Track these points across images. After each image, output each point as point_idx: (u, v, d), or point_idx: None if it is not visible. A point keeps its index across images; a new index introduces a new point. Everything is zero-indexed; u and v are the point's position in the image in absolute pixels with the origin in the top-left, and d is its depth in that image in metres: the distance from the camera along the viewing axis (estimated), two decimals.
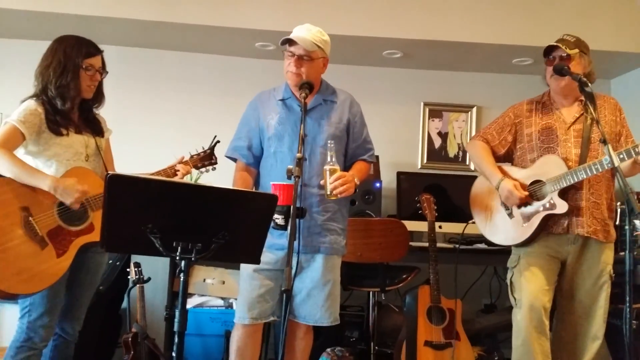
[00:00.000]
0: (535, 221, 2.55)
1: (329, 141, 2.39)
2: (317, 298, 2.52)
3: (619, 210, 3.54)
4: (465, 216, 4.04)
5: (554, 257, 2.58)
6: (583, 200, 2.52)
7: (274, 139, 2.54)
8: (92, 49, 2.47)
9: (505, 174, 2.66)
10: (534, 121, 2.67)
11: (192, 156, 2.76)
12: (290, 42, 2.47)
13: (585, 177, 2.44)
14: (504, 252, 3.09)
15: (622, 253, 3.14)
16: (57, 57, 2.40)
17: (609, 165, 2.35)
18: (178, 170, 2.60)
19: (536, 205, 2.56)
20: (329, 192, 2.32)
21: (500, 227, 2.68)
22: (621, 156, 2.35)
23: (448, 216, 3.68)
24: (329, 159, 2.35)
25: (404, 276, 3.57)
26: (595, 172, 2.42)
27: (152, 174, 2.54)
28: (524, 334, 2.54)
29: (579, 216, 2.51)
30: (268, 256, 2.45)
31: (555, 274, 2.58)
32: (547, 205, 2.53)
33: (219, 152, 2.81)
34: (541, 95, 2.73)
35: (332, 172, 2.32)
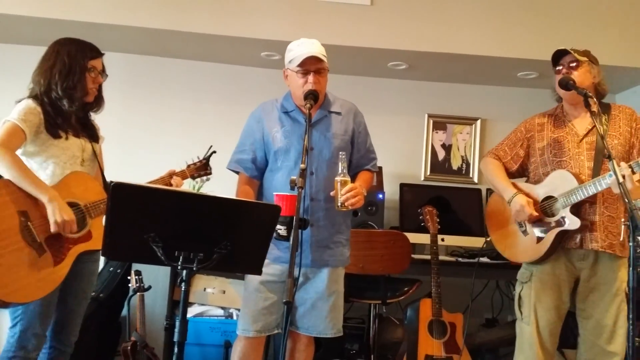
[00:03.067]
0: (549, 238, 2.50)
1: (340, 152, 2.38)
2: (321, 309, 2.51)
3: (623, 226, 3.54)
4: (468, 229, 4.05)
5: (568, 274, 2.53)
6: (597, 214, 2.47)
7: (280, 152, 2.52)
8: (94, 52, 2.48)
9: (519, 190, 2.63)
10: (546, 135, 2.63)
11: (188, 165, 2.76)
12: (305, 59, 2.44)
13: (595, 191, 2.39)
14: (507, 266, 3.07)
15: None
16: (60, 58, 2.39)
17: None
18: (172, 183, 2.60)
19: (549, 221, 2.53)
20: (339, 204, 2.31)
21: (516, 245, 2.64)
22: (636, 169, 2.28)
23: (451, 229, 3.68)
24: (339, 170, 2.34)
25: (406, 289, 3.56)
26: (604, 187, 2.36)
27: (150, 182, 2.53)
28: (533, 352, 2.51)
29: (593, 231, 2.46)
30: (274, 268, 2.44)
31: (569, 291, 2.53)
32: (560, 221, 2.49)
33: (219, 159, 2.80)
34: (554, 108, 2.70)
35: (344, 183, 2.31)
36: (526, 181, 2.74)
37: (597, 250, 2.46)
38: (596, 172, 2.46)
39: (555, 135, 2.61)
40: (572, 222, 2.45)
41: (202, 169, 2.79)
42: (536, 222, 2.56)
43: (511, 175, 2.73)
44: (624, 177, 2.21)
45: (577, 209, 2.47)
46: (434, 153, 4.62)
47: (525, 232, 2.61)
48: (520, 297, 2.61)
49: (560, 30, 3.94)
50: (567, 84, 2.47)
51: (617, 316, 2.45)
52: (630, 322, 2.13)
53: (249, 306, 2.49)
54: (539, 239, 2.54)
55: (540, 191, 2.59)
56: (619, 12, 4.02)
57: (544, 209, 2.55)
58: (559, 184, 2.52)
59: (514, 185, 2.66)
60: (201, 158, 2.81)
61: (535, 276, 2.56)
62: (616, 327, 2.45)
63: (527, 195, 2.59)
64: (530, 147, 2.69)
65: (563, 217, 2.48)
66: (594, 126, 2.50)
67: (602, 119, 2.52)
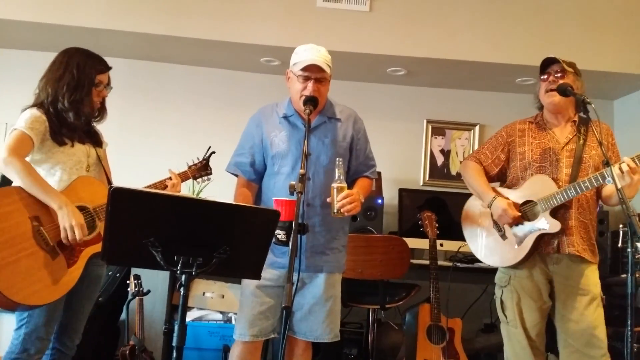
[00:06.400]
0: (529, 242, 2.54)
1: (337, 159, 2.37)
2: (318, 314, 2.51)
3: (621, 232, 3.57)
4: None
5: (543, 276, 2.57)
6: (572, 219, 2.52)
7: (277, 157, 2.53)
8: (103, 66, 2.50)
9: (497, 193, 2.66)
10: (527, 140, 2.68)
11: (189, 167, 2.81)
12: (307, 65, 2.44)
13: (575, 194, 2.44)
14: None
15: (624, 275, 3.14)
16: (69, 70, 2.41)
17: (598, 182, 2.37)
18: (166, 186, 2.61)
19: (528, 225, 2.56)
20: (335, 210, 2.31)
21: (495, 249, 2.67)
22: (608, 180, 2.33)
23: (449, 234, 3.66)
24: (336, 177, 2.33)
25: (404, 294, 3.56)
26: (584, 190, 2.42)
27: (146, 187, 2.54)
28: (527, 353, 2.53)
29: (569, 235, 2.51)
30: (270, 273, 2.44)
31: (547, 291, 2.57)
32: (540, 225, 2.52)
33: (218, 163, 2.82)
34: (534, 116, 2.76)
35: (340, 189, 2.30)
36: (501, 185, 2.77)
37: (572, 255, 2.50)
38: (574, 178, 2.51)
39: (537, 141, 2.66)
40: (552, 225, 2.49)
41: (202, 169, 2.85)
42: (516, 226, 2.59)
43: (491, 179, 2.77)
44: (623, 173, 2.27)
45: (554, 213, 2.51)
46: (432, 158, 4.64)
47: (503, 236, 2.63)
48: (502, 301, 2.64)
49: (558, 37, 3.97)
50: (565, 90, 2.51)
51: (595, 319, 2.48)
52: (629, 327, 2.15)
53: (246, 311, 2.49)
54: (518, 243, 2.57)
55: (518, 195, 2.62)
56: (617, 19, 4.04)
57: (523, 213, 2.59)
58: (538, 188, 2.56)
59: (493, 189, 2.69)
60: (201, 159, 2.86)
61: (514, 279, 2.60)
62: (595, 330, 2.47)
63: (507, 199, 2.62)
64: (511, 151, 2.73)
65: (543, 221, 2.52)
66: (575, 135, 2.59)
67: (582, 129, 2.59)
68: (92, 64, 2.45)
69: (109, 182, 2.57)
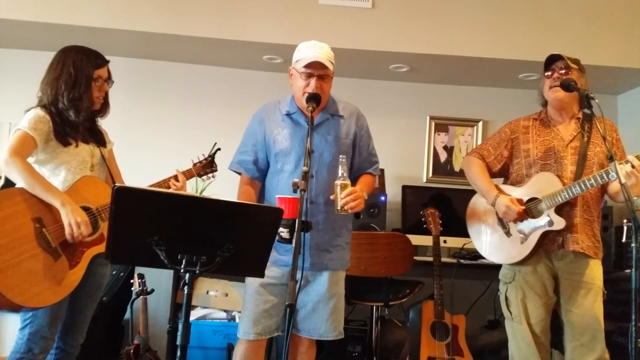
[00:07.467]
0: (534, 239, 2.55)
1: (340, 156, 2.37)
2: (322, 312, 2.51)
3: (625, 227, 3.56)
4: None
5: (548, 272, 2.57)
6: (577, 216, 2.53)
7: (280, 155, 2.53)
8: (100, 60, 2.49)
9: (501, 191, 2.66)
10: (531, 137, 2.68)
11: (194, 164, 2.81)
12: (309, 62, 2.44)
13: (580, 192, 2.44)
14: None
15: (628, 270, 3.14)
16: (66, 68, 2.41)
17: (603, 180, 2.37)
18: (169, 186, 2.61)
19: (533, 222, 2.56)
20: (339, 208, 2.30)
21: (499, 247, 2.67)
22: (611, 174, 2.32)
23: (453, 231, 3.66)
24: (340, 174, 2.32)
25: (408, 291, 3.56)
26: (589, 188, 2.42)
27: (150, 186, 2.54)
28: (532, 350, 2.53)
29: (574, 233, 2.51)
30: (274, 271, 2.44)
31: (552, 287, 2.58)
32: (545, 222, 2.53)
33: (222, 161, 2.83)
34: (538, 112, 2.75)
35: (343, 187, 2.30)
36: (504, 182, 2.77)
37: (576, 252, 2.51)
38: (578, 175, 2.52)
39: (542, 138, 2.65)
40: (557, 223, 2.50)
41: (207, 166, 2.84)
42: (520, 223, 2.59)
43: (493, 175, 2.77)
44: (628, 172, 2.27)
45: (559, 211, 2.52)
46: (436, 155, 4.63)
47: (508, 234, 2.64)
48: (506, 298, 2.65)
49: (561, 32, 3.95)
50: (569, 85, 2.50)
51: (600, 314, 2.50)
52: (633, 322, 2.14)
53: (249, 309, 2.49)
54: (523, 240, 2.58)
55: (522, 192, 2.62)
56: (620, 13, 4.02)
57: (528, 210, 2.59)
58: (543, 185, 2.56)
59: (497, 187, 2.69)
60: (206, 156, 2.85)
61: (519, 276, 2.61)
62: (600, 325, 2.49)
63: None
64: (514, 148, 2.73)
65: (548, 218, 2.52)
66: (579, 132, 2.59)
67: (586, 126, 2.59)
68: (88, 60, 2.45)
69: (114, 182, 2.57)
